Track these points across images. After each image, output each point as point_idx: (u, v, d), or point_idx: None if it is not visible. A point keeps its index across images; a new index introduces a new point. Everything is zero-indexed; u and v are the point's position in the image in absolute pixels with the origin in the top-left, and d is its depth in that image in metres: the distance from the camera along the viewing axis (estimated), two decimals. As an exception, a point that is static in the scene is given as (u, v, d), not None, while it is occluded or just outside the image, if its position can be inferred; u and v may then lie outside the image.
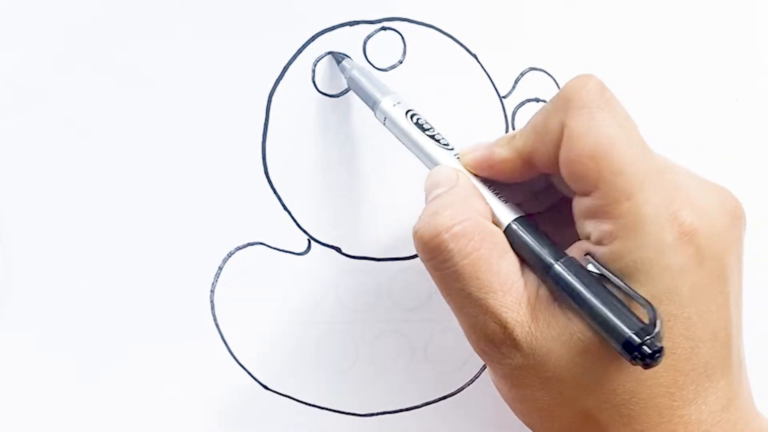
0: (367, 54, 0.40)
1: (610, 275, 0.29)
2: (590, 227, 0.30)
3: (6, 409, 0.39)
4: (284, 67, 0.40)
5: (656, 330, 0.27)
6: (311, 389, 0.40)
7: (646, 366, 0.27)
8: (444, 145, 0.35)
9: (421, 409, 0.40)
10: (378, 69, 0.40)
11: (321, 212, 0.40)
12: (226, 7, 0.39)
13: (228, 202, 0.39)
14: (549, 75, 0.40)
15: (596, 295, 0.29)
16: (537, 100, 0.40)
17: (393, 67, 0.40)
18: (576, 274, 0.30)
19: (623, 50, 0.40)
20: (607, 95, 0.30)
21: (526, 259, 0.31)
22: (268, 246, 0.40)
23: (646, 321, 0.28)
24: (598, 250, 0.30)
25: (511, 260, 0.31)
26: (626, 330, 0.28)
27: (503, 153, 0.33)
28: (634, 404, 0.29)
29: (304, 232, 0.40)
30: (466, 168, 0.34)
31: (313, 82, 0.40)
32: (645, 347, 0.27)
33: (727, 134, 0.41)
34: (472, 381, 0.40)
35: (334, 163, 0.40)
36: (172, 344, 0.39)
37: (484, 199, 0.33)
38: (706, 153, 0.40)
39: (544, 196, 0.35)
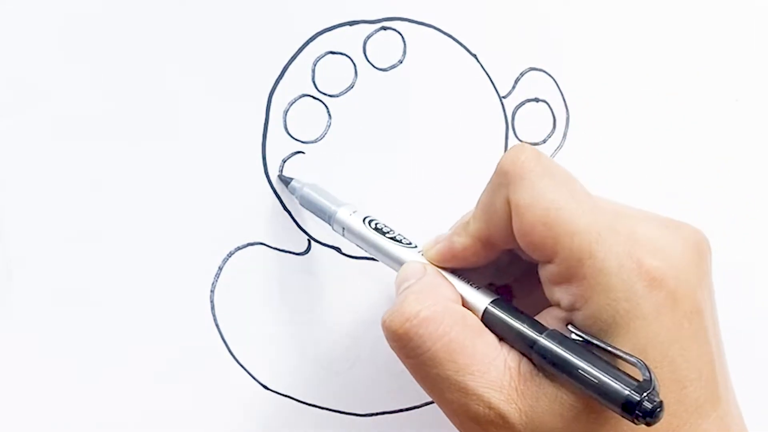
0: (367, 54, 0.40)
1: (594, 340, 0.29)
2: (559, 293, 0.30)
3: (6, 409, 0.39)
4: (284, 67, 0.40)
5: (653, 385, 0.28)
6: (311, 389, 0.40)
7: (649, 423, 0.27)
8: (407, 244, 0.35)
9: (421, 409, 0.40)
10: (378, 69, 0.40)
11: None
12: (226, 7, 0.39)
13: (228, 202, 0.39)
14: (549, 75, 0.40)
15: (586, 362, 0.29)
16: (537, 100, 0.40)
17: (393, 67, 0.40)
18: (561, 345, 0.29)
19: (623, 50, 0.40)
20: (544, 161, 0.31)
21: (507, 338, 0.31)
22: (268, 246, 0.40)
23: (639, 378, 0.28)
24: (575, 316, 0.30)
25: (487, 339, 0.31)
26: (623, 390, 0.28)
27: (462, 241, 0.33)
28: None
29: (304, 232, 0.40)
30: (431, 263, 0.34)
31: (313, 82, 0.40)
32: (645, 403, 0.27)
33: (727, 134, 0.41)
34: (472, 381, 0.40)
35: (334, 163, 0.40)
36: (172, 344, 0.39)
37: (453, 286, 0.33)
38: (706, 153, 0.40)
39: (510, 267, 0.35)
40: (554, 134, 0.40)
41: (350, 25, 0.40)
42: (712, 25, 0.41)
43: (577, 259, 0.29)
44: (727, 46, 0.40)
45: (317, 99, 0.40)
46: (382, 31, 0.40)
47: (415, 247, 0.35)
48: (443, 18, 0.40)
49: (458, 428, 0.32)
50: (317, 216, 0.38)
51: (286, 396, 0.40)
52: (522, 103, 0.40)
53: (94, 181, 0.39)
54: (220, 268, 0.39)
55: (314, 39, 0.40)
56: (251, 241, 0.40)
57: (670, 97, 0.40)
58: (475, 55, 0.40)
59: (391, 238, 0.35)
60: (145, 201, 0.39)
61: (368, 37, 0.40)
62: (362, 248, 0.36)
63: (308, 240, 0.40)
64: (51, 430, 0.39)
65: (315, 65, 0.40)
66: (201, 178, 0.39)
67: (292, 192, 0.39)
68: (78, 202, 0.39)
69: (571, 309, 0.30)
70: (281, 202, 0.40)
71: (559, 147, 0.40)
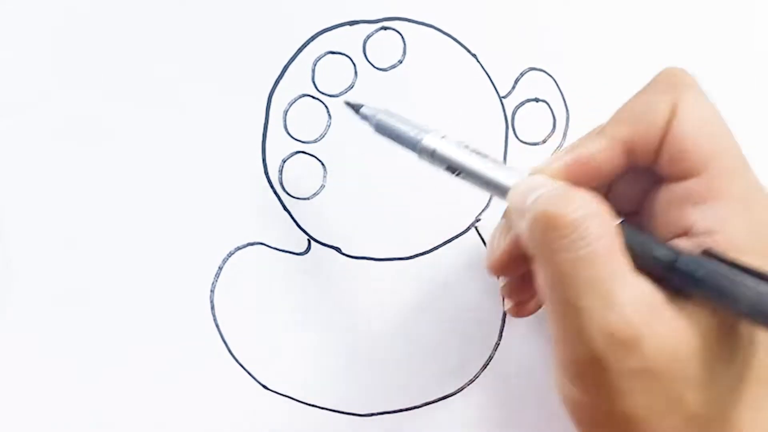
0: (367, 54, 0.40)
1: (737, 261, 0.27)
2: (695, 215, 0.29)
3: (6, 408, 0.39)
4: (284, 67, 0.40)
5: None
6: (311, 389, 0.40)
7: None
8: (513, 167, 0.32)
9: (421, 409, 0.40)
10: (378, 69, 0.40)
11: (321, 212, 0.40)
12: (226, 7, 0.39)
13: (228, 202, 0.40)
14: (549, 75, 0.40)
15: (733, 281, 0.26)
16: (537, 100, 0.40)
17: (393, 67, 0.40)
18: (702, 266, 0.27)
19: (623, 50, 0.40)
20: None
21: (642, 259, 0.28)
22: (268, 246, 0.40)
23: None
24: (709, 241, 0.28)
25: (626, 256, 0.28)
26: None
27: (598, 145, 0.30)
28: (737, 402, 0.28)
29: (304, 232, 0.40)
30: (552, 177, 0.31)
31: (313, 82, 0.40)
32: None
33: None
34: (472, 381, 0.40)
35: (334, 163, 0.40)
36: (172, 344, 0.39)
37: None
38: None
39: (622, 196, 0.32)
40: (554, 134, 0.40)
41: (350, 25, 0.40)
42: (712, 25, 0.41)
43: (729, 177, 0.28)
44: (726, 45, 0.40)
45: (317, 99, 0.40)
46: (382, 31, 0.40)
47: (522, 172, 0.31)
48: (443, 18, 0.40)
49: (583, 345, 0.27)
50: (398, 143, 0.34)
51: (286, 396, 0.40)
52: (522, 103, 0.40)
53: (94, 181, 0.39)
54: (220, 268, 0.40)
55: (314, 39, 0.40)
56: (251, 241, 0.40)
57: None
58: (475, 55, 0.40)
59: (493, 161, 0.31)
60: (145, 201, 0.39)
61: (368, 37, 0.40)
62: (457, 172, 0.32)
63: (308, 240, 0.40)
64: (51, 430, 0.39)
65: (315, 65, 0.40)
66: (201, 178, 0.39)
67: (364, 118, 0.35)
68: (78, 202, 0.39)
69: (707, 232, 0.28)
70: (281, 202, 0.40)
71: (560, 147, 0.40)
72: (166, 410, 0.39)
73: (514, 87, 0.40)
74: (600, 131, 0.31)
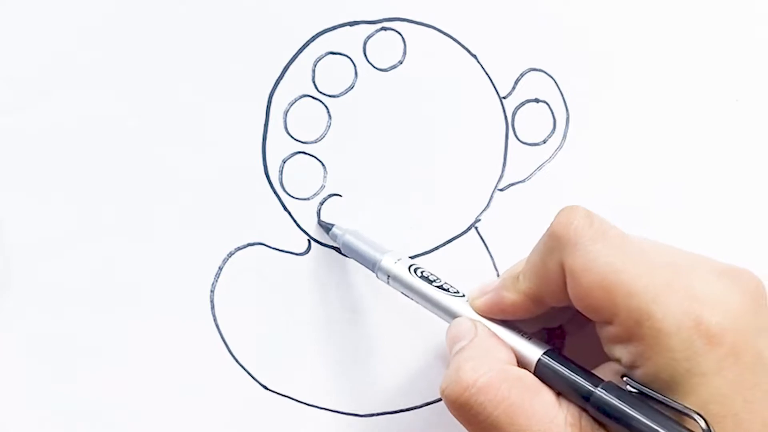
0: (367, 54, 0.40)
1: (652, 393, 0.29)
2: (619, 352, 0.31)
3: (6, 408, 0.39)
4: (284, 67, 0.40)
5: None
6: (311, 389, 0.40)
7: None
8: (454, 293, 0.35)
9: (421, 409, 0.40)
10: (378, 69, 0.40)
11: (321, 212, 0.40)
12: (227, 7, 0.39)
13: (228, 202, 0.39)
14: (549, 75, 0.40)
15: (644, 414, 0.29)
16: (537, 100, 0.40)
17: (393, 67, 0.40)
18: (619, 397, 0.30)
19: (623, 50, 0.40)
20: (596, 224, 0.31)
21: (563, 390, 0.31)
22: (268, 246, 0.40)
23: None
24: (634, 373, 0.30)
25: (546, 397, 0.31)
26: None
27: (511, 297, 0.33)
28: None
29: (304, 232, 0.40)
30: (479, 313, 0.34)
31: (313, 82, 0.40)
32: None
33: (727, 134, 0.41)
34: (472, 381, 0.40)
35: (334, 163, 0.40)
36: (172, 344, 0.39)
37: (505, 344, 0.33)
38: (706, 153, 0.40)
39: (562, 311, 0.34)
40: (554, 135, 0.40)
41: (350, 25, 0.40)
42: (712, 25, 0.41)
43: (636, 321, 0.29)
44: (727, 46, 0.40)
45: (317, 99, 0.40)
46: (382, 32, 0.40)
47: (463, 295, 0.35)
48: (443, 18, 0.40)
49: None
50: (360, 263, 0.38)
51: (286, 396, 0.40)
52: (522, 104, 0.40)
53: (93, 181, 0.39)
54: (220, 268, 0.39)
55: (314, 39, 0.40)
56: (251, 241, 0.40)
57: (670, 97, 0.40)
58: (475, 56, 0.40)
59: (438, 287, 0.35)
60: (145, 201, 0.39)
61: (368, 38, 0.40)
62: (408, 296, 0.36)
63: (308, 240, 0.40)
64: (51, 429, 0.39)
65: (315, 65, 0.40)
66: (201, 178, 0.39)
67: (333, 239, 0.39)
68: (78, 202, 0.39)
69: (631, 366, 0.30)
70: (281, 202, 0.40)
71: (559, 147, 0.40)
72: (166, 410, 0.39)
73: (514, 87, 0.40)
74: (514, 281, 0.33)
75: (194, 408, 0.39)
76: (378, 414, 0.40)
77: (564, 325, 0.36)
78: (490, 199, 0.40)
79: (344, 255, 0.40)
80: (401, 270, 0.36)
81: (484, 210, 0.40)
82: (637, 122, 0.40)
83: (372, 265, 0.37)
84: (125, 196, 0.39)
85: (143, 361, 0.39)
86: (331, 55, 0.40)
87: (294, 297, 0.40)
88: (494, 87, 0.40)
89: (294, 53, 0.40)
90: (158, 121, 0.39)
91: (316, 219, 0.40)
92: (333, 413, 0.40)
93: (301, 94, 0.40)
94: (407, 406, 0.40)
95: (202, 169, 0.39)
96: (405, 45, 0.40)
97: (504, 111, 0.40)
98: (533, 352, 0.32)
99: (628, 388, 0.30)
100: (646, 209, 0.40)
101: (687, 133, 0.40)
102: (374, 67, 0.40)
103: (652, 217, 0.40)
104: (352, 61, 0.40)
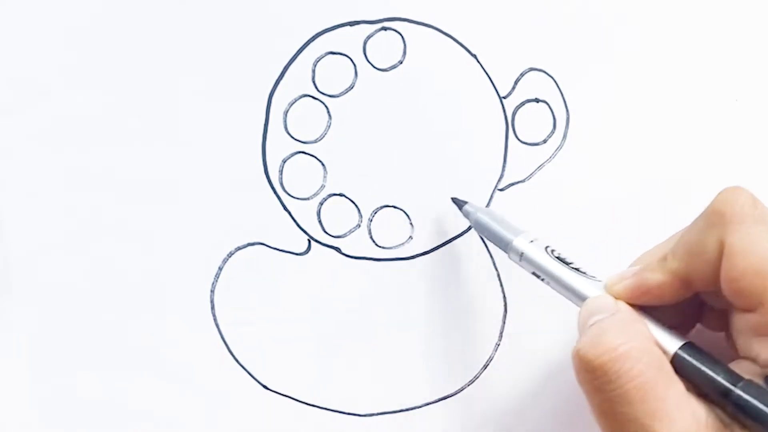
0: (367, 54, 0.40)
1: None
2: (759, 346, 0.30)
3: (5, 408, 0.39)
4: (284, 67, 0.40)
5: None
6: (311, 389, 0.40)
7: None
8: (591, 277, 0.34)
9: (421, 409, 0.40)
10: (378, 69, 0.40)
11: (321, 212, 0.40)
12: (227, 8, 0.39)
13: (228, 202, 0.39)
14: (549, 75, 0.40)
15: None
16: (537, 100, 0.40)
17: (393, 67, 0.40)
18: (760, 397, 0.29)
19: (623, 50, 0.40)
20: (760, 207, 0.30)
21: (699, 385, 0.30)
22: (268, 246, 0.40)
23: None
24: None
25: (678, 387, 0.30)
26: None
27: (658, 277, 0.32)
28: None
29: (304, 232, 0.40)
30: (617, 297, 0.33)
31: (313, 82, 0.40)
32: None
33: (727, 134, 0.40)
34: (472, 381, 0.40)
35: (334, 163, 0.40)
36: (172, 344, 0.39)
37: (647, 326, 0.32)
38: (706, 153, 0.40)
39: (690, 311, 0.34)
40: (554, 135, 0.40)
41: (350, 25, 0.40)
42: (712, 25, 0.40)
43: None
44: (727, 46, 0.40)
45: (317, 99, 0.40)
46: (382, 32, 0.40)
47: (600, 281, 0.34)
48: (443, 18, 0.40)
49: None
50: (492, 242, 0.37)
51: (286, 396, 0.40)
52: (522, 104, 0.40)
53: (93, 181, 0.39)
54: (220, 268, 0.40)
55: (314, 39, 0.40)
56: (251, 241, 0.40)
57: (670, 97, 0.40)
58: (475, 55, 0.40)
59: (575, 269, 0.34)
60: (145, 201, 0.39)
61: (368, 38, 0.40)
62: (540, 277, 0.35)
63: (308, 240, 0.40)
64: (51, 429, 0.39)
65: (315, 65, 0.40)
66: (201, 178, 0.39)
67: (466, 215, 0.38)
68: (78, 202, 0.39)
69: None
70: (281, 202, 0.40)
71: (560, 147, 0.40)
72: (166, 410, 0.39)
73: (514, 87, 0.40)
74: (661, 261, 0.32)
75: (194, 408, 0.39)
76: (378, 414, 0.40)
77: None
78: (490, 199, 0.40)
79: (344, 255, 0.40)
80: (535, 250, 0.35)
81: (484, 210, 0.40)
82: (637, 122, 0.40)
83: (505, 244, 0.36)
84: (125, 196, 0.39)
85: (143, 361, 0.39)
86: (331, 55, 0.40)
87: (294, 297, 0.40)
88: (494, 87, 0.40)
89: (294, 53, 0.40)
90: (158, 121, 0.39)
91: (451, 199, 0.39)
92: (333, 413, 0.40)
93: (301, 94, 0.40)
94: (407, 406, 0.40)
95: (202, 169, 0.39)
96: (405, 45, 0.40)
97: (504, 111, 0.40)
98: (672, 342, 0.31)
99: None
100: (646, 209, 0.40)
101: (687, 133, 0.40)
102: (374, 67, 0.40)
103: (652, 217, 0.40)
104: (352, 61, 0.40)
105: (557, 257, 0.35)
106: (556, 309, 0.39)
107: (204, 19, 0.39)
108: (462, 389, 0.40)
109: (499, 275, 0.40)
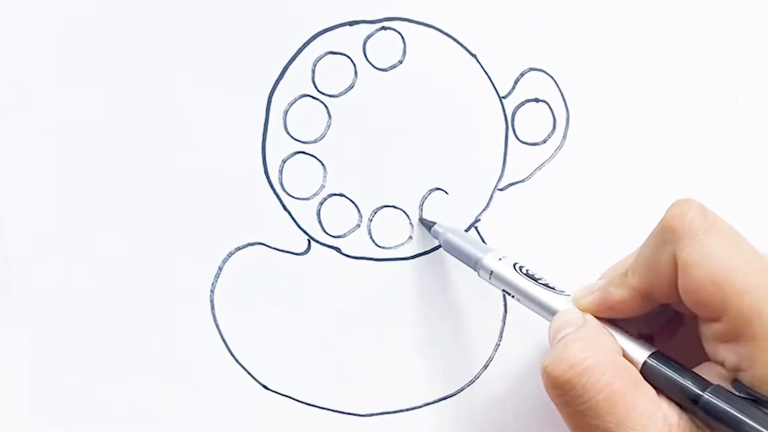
0: (367, 54, 0.40)
1: (764, 397, 0.29)
2: (724, 352, 0.30)
3: (6, 408, 0.39)
4: (284, 67, 0.40)
5: None
6: (311, 389, 0.40)
7: None
8: (559, 291, 0.35)
9: (421, 409, 0.40)
10: (378, 69, 0.40)
11: (321, 212, 0.40)
12: (226, 8, 0.39)
13: (228, 202, 0.39)
14: (549, 75, 0.40)
15: (755, 419, 0.28)
16: (537, 100, 0.40)
17: (393, 67, 0.40)
18: (729, 401, 0.29)
19: (623, 50, 0.40)
20: (710, 218, 0.30)
21: (668, 392, 0.31)
22: (268, 246, 0.40)
23: None
24: (740, 376, 0.30)
25: (647, 394, 0.30)
26: None
27: (620, 293, 0.33)
28: None
29: (304, 232, 0.40)
30: (585, 312, 0.33)
31: (313, 82, 0.40)
32: None
33: (727, 134, 0.40)
34: (472, 382, 0.40)
35: (334, 163, 0.40)
36: (172, 344, 0.39)
37: (613, 337, 0.32)
38: (706, 153, 0.40)
39: (657, 318, 0.34)
40: (554, 134, 0.40)
41: (350, 25, 0.40)
42: (712, 25, 0.40)
43: (746, 319, 0.29)
44: (727, 46, 0.40)
45: (317, 99, 0.40)
46: (382, 31, 0.40)
47: (568, 295, 0.34)
48: (443, 18, 0.40)
49: None
50: (461, 261, 0.37)
51: (286, 396, 0.40)
52: (522, 103, 0.40)
53: (94, 181, 0.39)
54: (220, 268, 0.40)
55: (314, 39, 0.40)
56: (251, 241, 0.40)
57: (670, 97, 0.40)
58: (475, 55, 0.40)
59: (543, 285, 0.35)
60: (145, 201, 0.39)
61: (368, 37, 0.40)
62: (512, 295, 0.35)
63: (308, 240, 0.40)
64: (51, 429, 0.39)
65: (315, 65, 0.40)
66: (201, 178, 0.39)
67: (435, 236, 0.39)
68: (78, 202, 0.39)
69: (736, 369, 0.30)
70: (281, 202, 0.40)
71: (560, 147, 0.40)
72: (166, 410, 0.39)
73: (514, 87, 0.40)
74: (622, 277, 0.33)
75: (194, 408, 0.39)
76: (378, 414, 0.40)
77: (654, 334, 0.35)
78: (490, 199, 0.40)
79: (344, 255, 0.40)
80: (505, 268, 0.35)
81: (484, 210, 0.40)
82: (637, 122, 0.40)
83: (474, 263, 0.36)
84: (125, 196, 0.39)
85: (143, 361, 0.39)
86: (331, 55, 0.40)
87: (294, 297, 0.40)
88: (494, 87, 0.40)
89: (294, 53, 0.40)
90: (158, 121, 0.39)
91: (418, 220, 0.40)
92: (333, 413, 0.40)
93: (300, 93, 0.40)
94: (407, 406, 0.40)
95: (202, 169, 0.39)
96: (405, 45, 0.40)
97: (504, 111, 0.40)
98: (640, 352, 0.32)
99: (739, 393, 0.29)
100: (646, 209, 0.40)
101: (687, 133, 0.40)
102: (374, 66, 0.40)
103: (652, 217, 0.40)
104: (352, 60, 0.40)
105: (526, 273, 0.35)
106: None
107: (204, 19, 0.39)
108: (462, 389, 0.40)
109: (499, 275, 0.40)
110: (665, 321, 0.35)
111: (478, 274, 0.36)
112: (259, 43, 0.39)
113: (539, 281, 0.35)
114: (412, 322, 0.40)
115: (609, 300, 0.33)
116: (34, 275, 0.39)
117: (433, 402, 0.40)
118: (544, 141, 0.40)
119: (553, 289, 0.35)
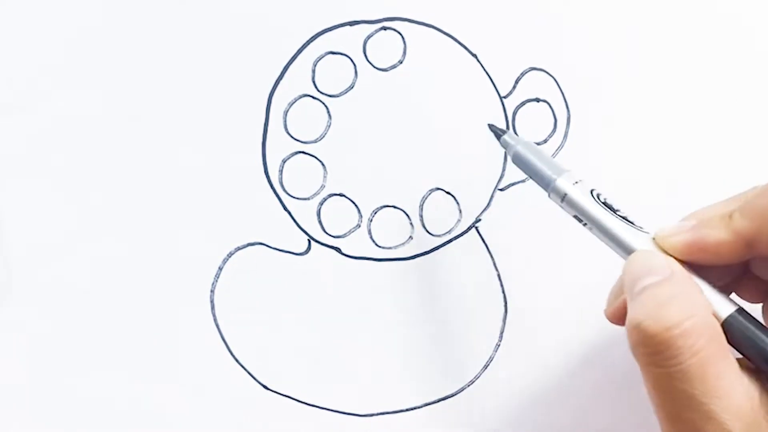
0: (367, 54, 0.40)
1: None
2: None
3: (6, 408, 0.39)
4: (284, 67, 0.40)
5: None
6: (311, 389, 0.40)
7: None
8: (638, 227, 0.32)
9: (421, 409, 0.40)
10: (378, 69, 0.40)
11: (321, 212, 0.40)
12: (226, 8, 0.39)
13: (228, 202, 0.40)
14: (549, 75, 0.40)
15: None
16: (537, 100, 0.40)
17: (393, 67, 0.40)
18: None
19: (623, 50, 0.40)
20: None
21: (752, 355, 0.29)
22: (268, 246, 0.40)
23: None
24: None
25: (732, 362, 0.29)
26: None
27: (720, 235, 0.30)
28: None
29: (304, 232, 0.40)
30: (668, 252, 0.31)
31: (313, 82, 0.40)
32: None
33: (727, 134, 0.40)
34: (472, 382, 0.40)
35: (334, 163, 0.40)
36: (172, 344, 0.39)
37: (703, 292, 0.30)
38: (706, 153, 0.40)
39: (728, 276, 0.33)
40: (555, 134, 0.40)
41: (350, 25, 0.40)
42: (712, 25, 0.40)
43: None
44: (727, 46, 0.40)
45: (317, 99, 0.40)
46: (382, 31, 0.40)
47: (647, 232, 0.32)
48: (443, 18, 0.40)
49: None
50: (532, 179, 0.34)
51: (286, 396, 0.40)
52: (522, 103, 0.40)
53: (94, 181, 0.39)
54: (220, 268, 0.40)
55: (314, 39, 0.40)
56: (251, 241, 0.40)
57: (671, 97, 0.40)
58: (475, 55, 0.40)
59: (621, 218, 0.32)
60: (145, 201, 0.39)
61: (368, 37, 0.40)
62: (584, 222, 0.32)
63: (308, 240, 0.40)
64: (51, 429, 0.39)
65: (315, 65, 0.40)
66: (201, 178, 0.39)
67: (504, 146, 0.35)
68: (78, 202, 0.39)
69: None
70: (281, 202, 0.40)
71: (561, 147, 0.40)
72: (166, 410, 0.39)
73: (514, 87, 0.40)
74: (724, 219, 0.31)
75: (194, 408, 0.39)
76: (378, 414, 0.40)
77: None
78: (491, 199, 0.40)
79: (344, 255, 0.40)
80: (580, 193, 0.32)
81: (484, 210, 0.40)
82: (638, 122, 0.40)
83: (545, 183, 0.33)
84: (125, 196, 0.39)
85: (143, 361, 0.39)
86: (331, 55, 0.40)
87: (294, 297, 0.40)
88: (494, 86, 0.40)
89: (294, 53, 0.40)
90: (158, 121, 0.39)
91: (487, 125, 0.37)
92: (333, 413, 0.40)
93: (301, 93, 0.40)
94: (407, 406, 0.40)
95: (202, 169, 0.39)
96: (405, 45, 0.40)
97: (504, 110, 0.40)
98: (724, 308, 0.29)
99: None
100: (646, 209, 0.40)
101: (687, 132, 0.40)
102: (374, 66, 0.40)
103: (652, 217, 0.40)
104: (352, 60, 0.40)
105: (603, 202, 0.32)
106: (557, 309, 0.39)
107: (204, 20, 0.39)
108: (462, 389, 0.40)
109: (499, 275, 0.40)
110: (725, 281, 0.33)
111: (548, 196, 0.33)
112: (259, 43, 0.39)
113: (617, 212, 0.32)
114: (411, 322, 0.40)
115: (702, 243, 0.30)
116: (34, 275, 0.39)
117: (433, 402, 0.40)
118: (545, 141, 0.40)
119: (632, 223, 0.32)
